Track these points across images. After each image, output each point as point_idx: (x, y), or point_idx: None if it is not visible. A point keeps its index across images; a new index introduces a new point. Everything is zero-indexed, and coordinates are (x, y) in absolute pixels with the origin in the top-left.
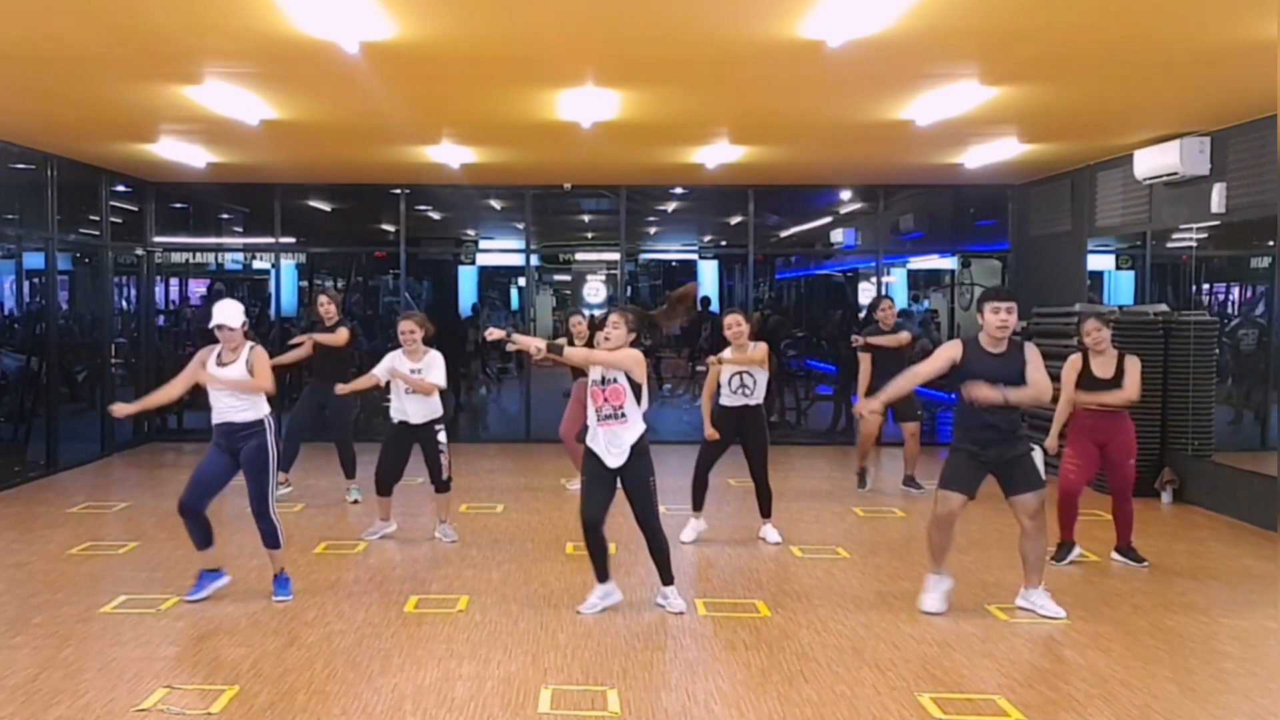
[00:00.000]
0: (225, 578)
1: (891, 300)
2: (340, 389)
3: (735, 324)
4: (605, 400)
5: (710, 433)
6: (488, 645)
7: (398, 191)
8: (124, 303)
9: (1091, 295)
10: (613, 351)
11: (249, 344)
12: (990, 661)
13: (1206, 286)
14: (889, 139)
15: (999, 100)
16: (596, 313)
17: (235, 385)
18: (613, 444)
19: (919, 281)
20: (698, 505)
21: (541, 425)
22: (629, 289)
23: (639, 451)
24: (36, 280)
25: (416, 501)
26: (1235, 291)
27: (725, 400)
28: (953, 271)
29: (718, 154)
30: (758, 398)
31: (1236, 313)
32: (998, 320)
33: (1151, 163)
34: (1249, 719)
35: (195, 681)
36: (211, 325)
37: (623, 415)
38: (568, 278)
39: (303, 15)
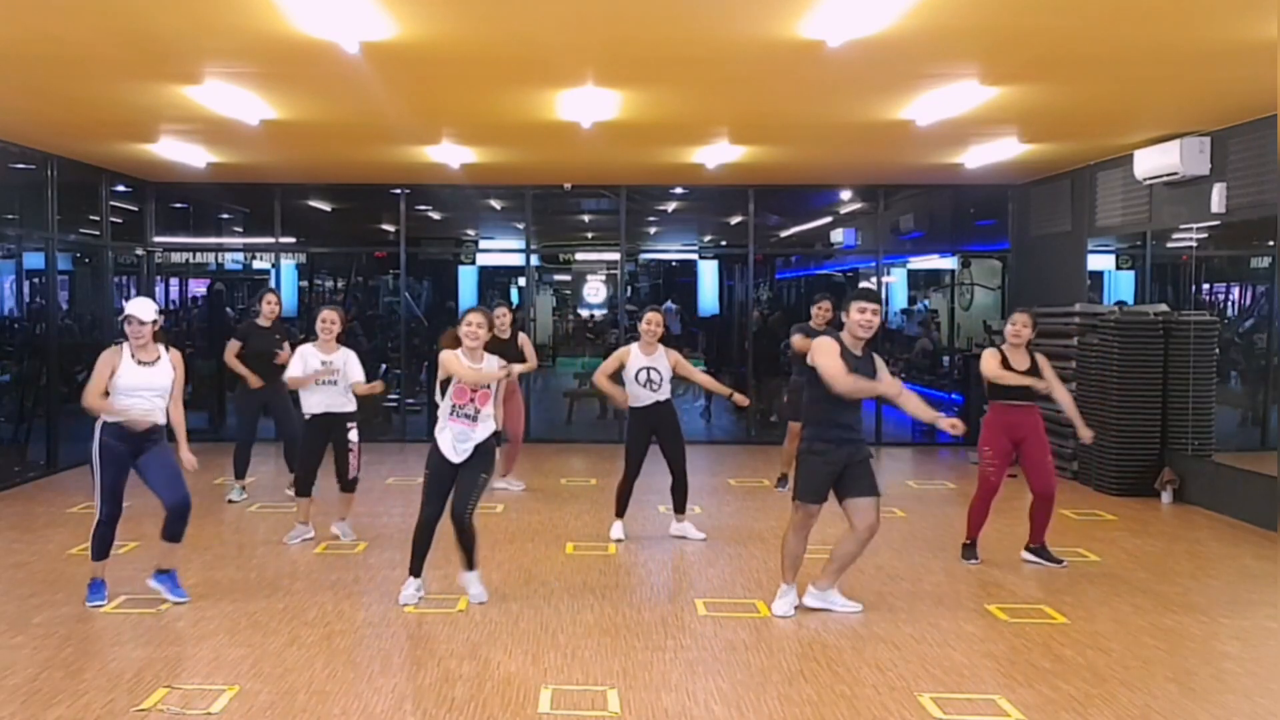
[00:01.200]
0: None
1: (830, 301)
2: (291, 382)
3: (654, 323)
4: (471, 400)
5: (619, 393)
6: (488, 645)
7: (398, 191)
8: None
9: (1092, 295)
10: (480, 366)
11: (162, 345)
12: (990, 661)
13: (1206, 286)
14: (889, 139)
15: (999, 100)
16: (598, 313)
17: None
18: (461, 441)
19: (919, 281)
20: (621, 511)
21: (540, 426)
22: (629, 289)
23: (483, 450)
24: (37, 280)
25: (416, 501)
26: (1235, 291)
27: (636, 401)
28: (953, 271)
29: (718, 154)
30: (665, 393)
31: (1250, 312)
32: (863, 319)
33: (1151, 163)
34: (1249, 719)
35: (195, 681)
36: (121, 317)
37: (479, 417)
38: (568, 278)
39: (303, 15)
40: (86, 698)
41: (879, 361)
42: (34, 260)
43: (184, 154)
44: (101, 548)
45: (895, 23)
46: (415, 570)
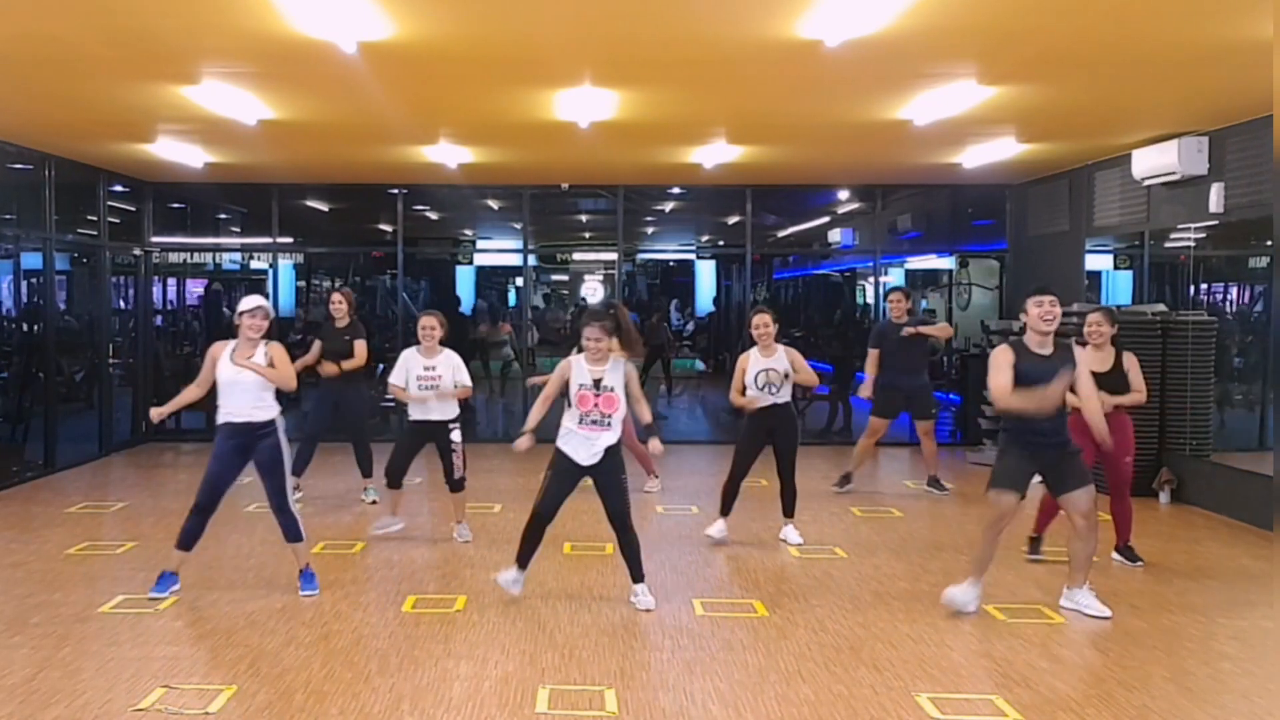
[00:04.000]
0: (179, 584)
1: (905, 292)
2: (393, 390)
3: (764, 324)
4: (596, 406)
5: (749, 403)
6: (485, 645)
7: (395, 191)
8: (121, 302)
9: (1090, 295)
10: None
11: (263, 340)
12: (988, 661)
13: (1204, 286)
14: (887, 139)
15: (997, 100)
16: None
17: (266, 374)
18: (591, 446)
19: (917, 281)
20: (726, 510)
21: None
22: (626, 289)
23: (612, 451)
24: (34, 280)
25: (415, 501)
26: (1234, 291)
27: (754, 402)
28: (950, 271)
29: (715, 154)
30: (785, 395)
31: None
32: (1042, 313)
33: (1149, 162)
34: (1247, 719)
35: (193, 681)
36: (242, 310)
37: (609, 423)
38: (565, 277)
39: (300, 15)
40: (84, 697)
41: (1080, 353)
42: (32, 260)
43: (181, 154)
44: (184, 536)
45: (893, 22)
46: (523, 563)
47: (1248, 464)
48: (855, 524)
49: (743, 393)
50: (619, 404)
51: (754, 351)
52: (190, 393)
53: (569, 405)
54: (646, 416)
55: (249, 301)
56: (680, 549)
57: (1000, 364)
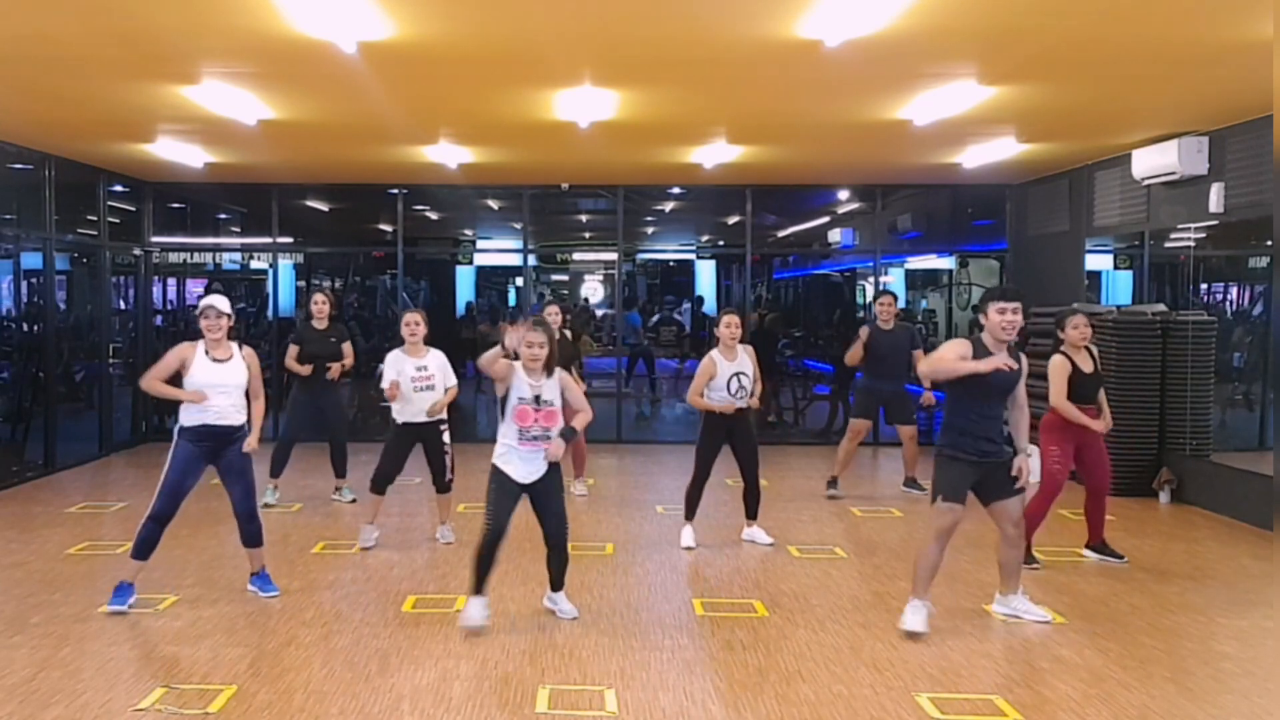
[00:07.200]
0: (135, 595)
1: (893, 295)
2: (389, 392)
3: (734, 325)
4: (536, 421)
5: (728, 405)
6: (485, 645)
7: (395, 191)
8: (121, 302)
9: (1089, 295)
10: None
11: (235, 342)
12: (987, 661)
13: (1205, 286)
14: (887, 139)
15: (997, 100)
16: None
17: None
18: (530, 463)
19: (917, 281)
20: (691, 514)
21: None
22: (626, 289)
23: (556, 468)
24: (34, 280)
25: (414, 501)
26: (1234, 291)
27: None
28: (950, 271)
29: (715, 154)
30: (745, 399)
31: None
32: (1004, 320)
33: (1149, 162)
34: (1247, 719)
35: (193, 681)
36: (202, 306)
37: (550, 437)
38: (565, 277)
39: (300, 15)
40: (84, 697)
41: (1024, 363)
42: (32, 260)
43: (181, 154)
44: (142, 546)
45: (893, 22)
46: (479, 589)
47: (1248, 464)
48: (855, 524)
49: (703, 395)
50: (559, 418)
51: (716, 355)
52: (153, 387)
53: (504, 419)
54: (577, 424)
55: (203, 302)
56: (680, 549)
57: (950, 346)
